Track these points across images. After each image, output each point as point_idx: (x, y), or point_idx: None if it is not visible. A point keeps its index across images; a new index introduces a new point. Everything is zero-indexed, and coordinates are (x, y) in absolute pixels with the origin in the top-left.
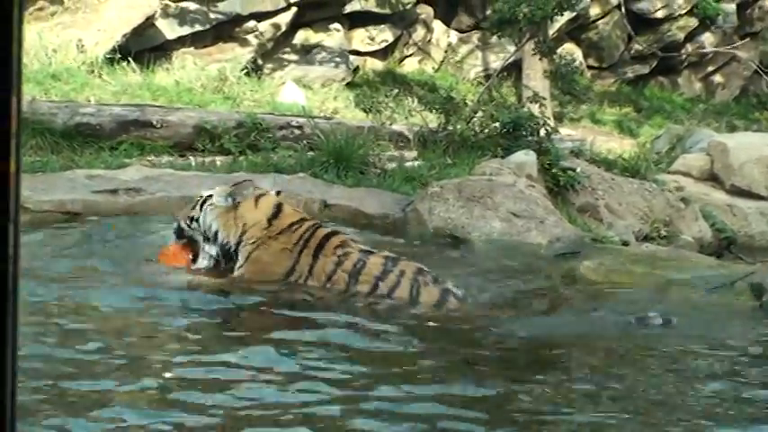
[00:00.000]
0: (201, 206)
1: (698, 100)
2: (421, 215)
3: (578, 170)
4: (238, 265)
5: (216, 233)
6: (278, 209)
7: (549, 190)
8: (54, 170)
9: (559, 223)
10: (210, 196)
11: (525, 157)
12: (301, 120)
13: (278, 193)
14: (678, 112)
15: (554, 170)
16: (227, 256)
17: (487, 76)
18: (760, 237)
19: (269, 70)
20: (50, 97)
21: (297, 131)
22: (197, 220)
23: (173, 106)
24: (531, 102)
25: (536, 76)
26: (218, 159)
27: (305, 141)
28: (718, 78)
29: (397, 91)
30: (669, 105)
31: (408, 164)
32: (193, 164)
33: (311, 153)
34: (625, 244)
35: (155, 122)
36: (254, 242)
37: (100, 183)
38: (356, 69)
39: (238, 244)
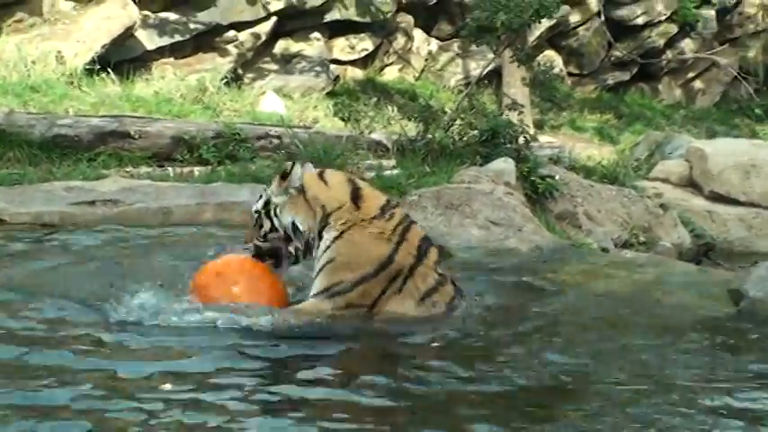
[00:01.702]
0: (269, 215)
1: (678, 106)
2: None
3: (557, 177)
4: (324, 247)
5: (296, 227)
6: (354, 185)
7: (528, 197)
8: (32, 182)
9: (538, 231)
10: (268, 203)
11: (504, 165)
12: (280, 129)
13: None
14: (658, 118)
15: (533, 178)
16: (308, 247)
17: (467, 84)
18: (738, 243)
19: (249, 80)
20: (29, 109)
21: (275, 141)
22: (274, 230)
23: (151, 117)
24: (510, 109)
25: (516, 83)
26: (197, 170)
27: (283, 151)
28: (698, 84)
29: (376, 99)
30: (649, 112)
31: (387, 172)
32: (171, 174)
33: (290, 163)
34: (604, 251)
35: (133, 133)
36: (344, 222)
37: (78, 194)
38: (336, 78)
39: (323, 228)
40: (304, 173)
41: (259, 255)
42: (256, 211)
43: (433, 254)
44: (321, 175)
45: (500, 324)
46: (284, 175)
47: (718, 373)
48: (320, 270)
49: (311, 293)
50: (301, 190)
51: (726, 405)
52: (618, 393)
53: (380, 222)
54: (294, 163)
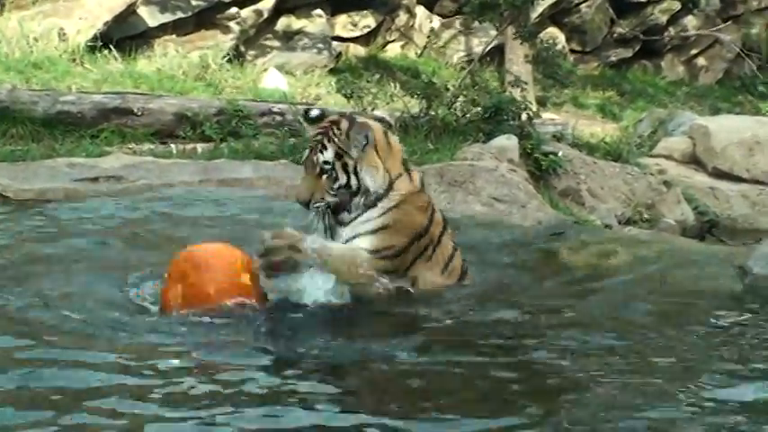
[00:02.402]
0: (346, 169)
1: (681, 83)
2: None
3: (560, 154)
4: (378, 212)
5: (367, 187)
6: (403, 152)
7: (531, 174)
8: (35, 159)
9: (541, 207)
10: (341, 155)
11: (507, 142)
12: (283, 106)
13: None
14: (661, 95)
15: (536, 154)
16: (362, 204)
17: (470, 61)
18: (742, 219)
19: (251, 57)
20: (31, 86)
21: (278, 118)
22: (348, 186)
23: (153, 94)
24: (513, 86)
25: (518, 60)
26: (199, 146)
27: (286, 128)
28: (701, 61)
29: (378, 76)
30: (652, 89)
31: None
32: (174, 151)
33: (293, 139)
34: (607, 227)
35: (135, 110)
36: (403, 193)
37: (81, 171)
38: (339, 55)
39: (385, 192)
40: (380, 132)
41: (332, 211)
42: (327, 162)
43: (447, 224)
44: (386, 135)
45: (500, 302)
46: (352, 125)
47: (721, 350)
48: (373, 231)
49: (356, 240)
50: (374, 147)
51: (727, 383)
52: (614, 371)
53: (423, 195)
54: (364, 119)
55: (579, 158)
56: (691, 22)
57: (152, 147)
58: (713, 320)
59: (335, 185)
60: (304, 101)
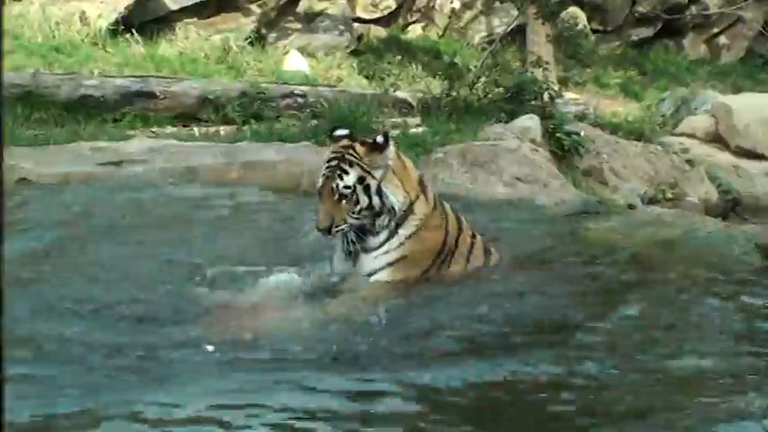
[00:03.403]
0: (368, 191)
1: (703, 62)
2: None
3: (582, 134)
4: (398, 241)
5: (393, 206)
6: (416, 168)
7: (554, 154)
8: (58, 142)
9: (564, 187)
10: (363, 178)
11: (529, 122)
12: (305, 88)
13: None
14: (683, 74)
15: (558, 134)
16: (388, 224)
17: (491, 42)
18: (765, 197)
19: (272, 39)
20: (54, 70)
21: (300, 100)
22: (370, 207)
23: (176, 77)
24: (534, 66)
25: (540, 40)
26: (222, 129)
27: (308, 110)
28: (723, 40)
29: (400, 58)
30: (674, 68)
31: (412, 130)
32: (197, 134)
33: (315, 121)
34: (630, 207)
35: (158, 93)
36: (420, 218)
37: (104, 155)
38: (360, 37)
39: (406, 216)
40: (393, 152)
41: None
42: (347, 187)
43: (461, 217)
44: (400, 156)
45: (524, 282)
46: (375, 147)
47: (744, 327)
48: (393, 263)
49: (376, 274)
50: (391, 167)
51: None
52: (636, 347)
53: (437, 212)
54: (387, 135)
55: (601, 138)
56: (712, 0)
57: (174, 130)
58: (735, 298)
59: (357, 208)
60: (326, 83)
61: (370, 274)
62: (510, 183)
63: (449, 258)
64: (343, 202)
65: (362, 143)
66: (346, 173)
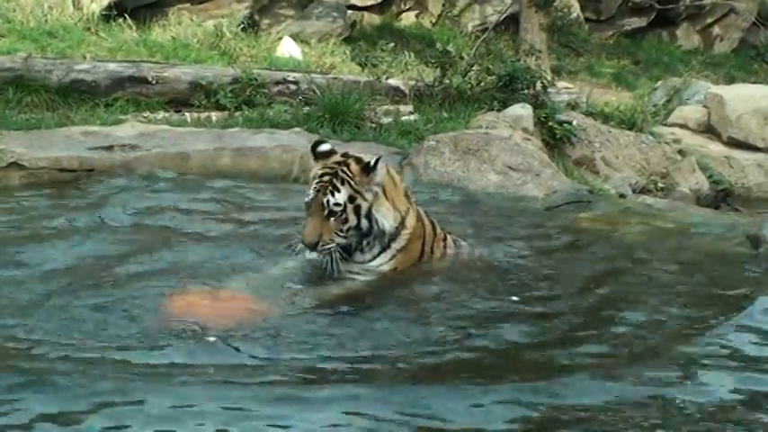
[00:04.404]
0: (358, 212)
1: (696, 52)
2: (417, 169)
3: (575, 123)
4: (389, 255)
5: (383, 228)
6: (405, 189)
7: (546, 143)
8: (49, 127)
9: (556, 176)
10: (354, 198)
11: (522, 111)
12: (297, 75)
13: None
14: (676, 64)
15: (550, 123)
16: (375, 244)
17: (485, 30)
18: (757, 188)
19: (266, 26)
20: (46, 54)
21: (293, 87)
22: (358, 228)
23: (168, 62)
24: (527, 55)
25: (533, 29)
26: (214, 115)
27: (301, 97)
28: (716, 30)
29: (393, 45)
30: (667, 58)
31: (404, 118)
32: (189, 120)
33: (307, 108)
34: (622, 196)
35: (150, 79)
36: (410, 232)
37: (95, 139)
38: (353, 24)
39: (397, 232)
40: (384, 169)
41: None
42: (338, 204)
43: (434, 221)
44: (389, 172)
45: (512, 269)
46: (366, 169)
47: (733, 318)
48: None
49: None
50: (382, 187)
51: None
52: (625, 337)
53: (419, 223)
54: (378, 159)
55: (594, 127)
56: None
57: (166, 115)
58: (726, 289)
59: (345, 227)
60: (319, 69)
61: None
62: (502, 171)
63: (426, 257)
64: (332, 219)
65: (357, 161)
66: (338, 190)
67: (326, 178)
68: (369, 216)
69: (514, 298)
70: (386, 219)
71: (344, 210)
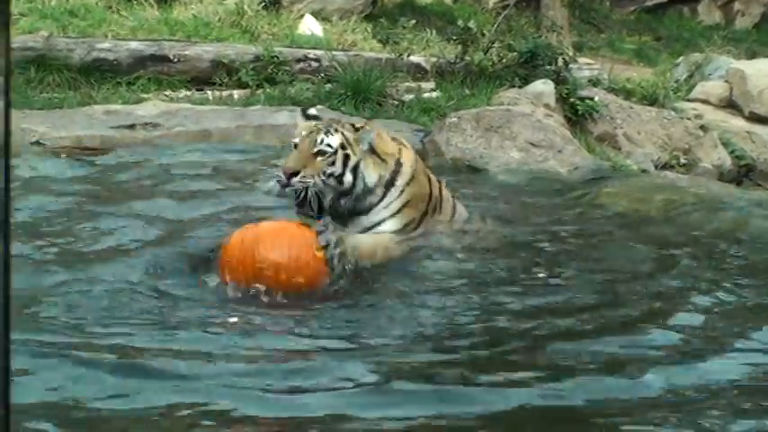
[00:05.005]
0: (346, 162)
1: (717, 27)
2: (438, 146)
3: (596, 99)
4: (397, 192)
5: (367, 183)
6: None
7: (568, 119)
8: (71, 106)
9: (578, 152)
10: (345, 146)
11: (543, 87)
12: (319, 52)
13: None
14: (697, 39)
15: (572, 99)
16: (357, 199)
17: (506, 6)
18: None
19: (287, 3)
20: (68, 33)
21: (314, 64)
22: (339, 178)
23: (189, 41)
24: (548, 31)
25: (554, 5)
26: (236, 93)
27: (322, 74)
28: (737, 5)
29: (414, 22)
30: (688, 33)
31: (426, 95)
32: (211, 98)
33: (329, 85)
34: (644, 172)
35: (172, 57)
36: (411, 165)
37: (117, 118)
38: (374, 1)
39: (395, 175)
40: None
41: (302, 201)
42: (329, 145)
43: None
44: (379, 133)
45: (527, 245)
46: (359, 127)
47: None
48: (397, 212)
49: (381, 226)
50: (371, 149)
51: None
52: (637, 314)
53: (421, 166)
54: (367, 124)
55: (615, 103)
56: None
57: (188, 93)
58: (749, 264)
59: (329, 171)
60: (340, 47)
61: (369, 229)
62: (524, 147)
63: (438, 205)
64: (320, 158)
65: (352, 124)
66: (331, 134)
67: (321, 126)
68: (355, 171)
69: (545, 276)
70: (369, 175)
71: (335, 153)
